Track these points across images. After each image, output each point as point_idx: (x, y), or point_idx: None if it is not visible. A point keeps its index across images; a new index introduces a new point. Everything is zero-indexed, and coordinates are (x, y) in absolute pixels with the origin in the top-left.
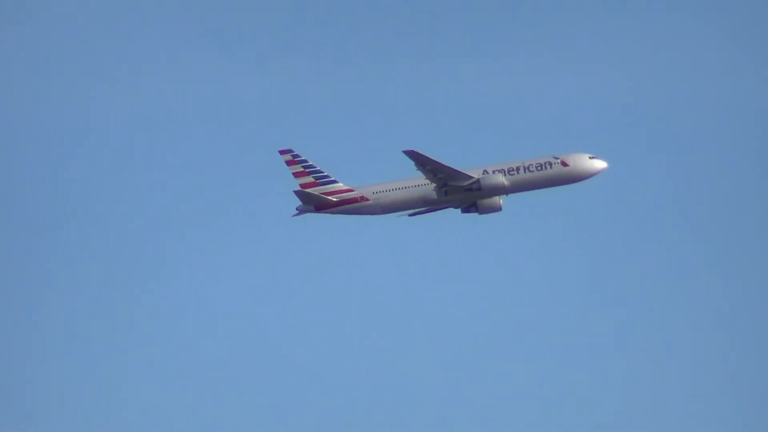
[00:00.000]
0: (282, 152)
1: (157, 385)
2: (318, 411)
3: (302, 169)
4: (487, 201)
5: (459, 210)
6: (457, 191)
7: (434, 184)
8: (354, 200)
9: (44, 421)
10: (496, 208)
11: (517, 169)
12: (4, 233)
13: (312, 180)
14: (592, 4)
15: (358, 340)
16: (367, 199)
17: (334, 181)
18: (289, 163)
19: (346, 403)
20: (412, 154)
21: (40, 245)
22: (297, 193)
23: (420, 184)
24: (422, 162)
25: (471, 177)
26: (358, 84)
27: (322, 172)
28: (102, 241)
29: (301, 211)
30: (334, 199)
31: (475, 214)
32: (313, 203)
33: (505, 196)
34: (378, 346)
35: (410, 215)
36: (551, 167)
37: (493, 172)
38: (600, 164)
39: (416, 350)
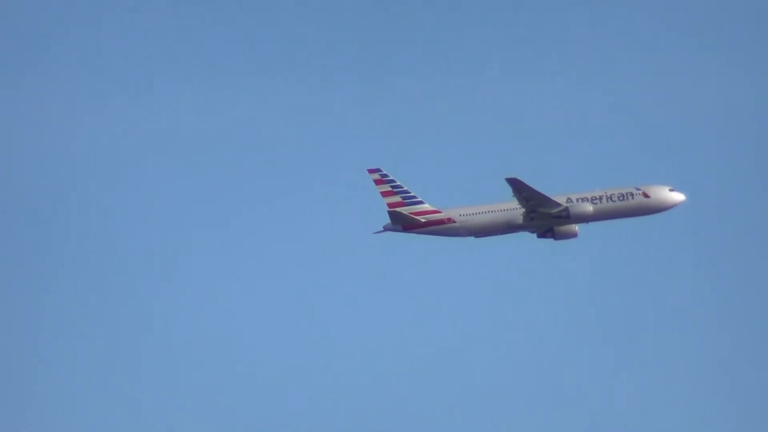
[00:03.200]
0: (371, 171)
1: (231, 390)
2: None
3: (390, 189)
4: (565, 227)
5: (534, 234)
6: (544, 217)
7: (523, 210)
8: (441, 222)
9: (47, 421)
10: (573, 235)
11: (600, 198)
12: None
13: (400, 200)
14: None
15: (415, 360)
16: (454, 221)
17: (421, 202)
18: (377, 182)
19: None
20: (513, 182)
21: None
22: (390, 213)
23: (507, 208)
24: (520, 189)
25: (560, 204)
26: (425, 103)
27: (410, 193)
28: (185, 247)
29: (387, 229)
30: (423, 220)
31: (551, 240)
32: (402, 223)
33: (585, 223)
34: (436, 367)
35: (477, 236)
36: (633, 198)
37: (577, 200)
38: (679, 197)
39: (478, 372)
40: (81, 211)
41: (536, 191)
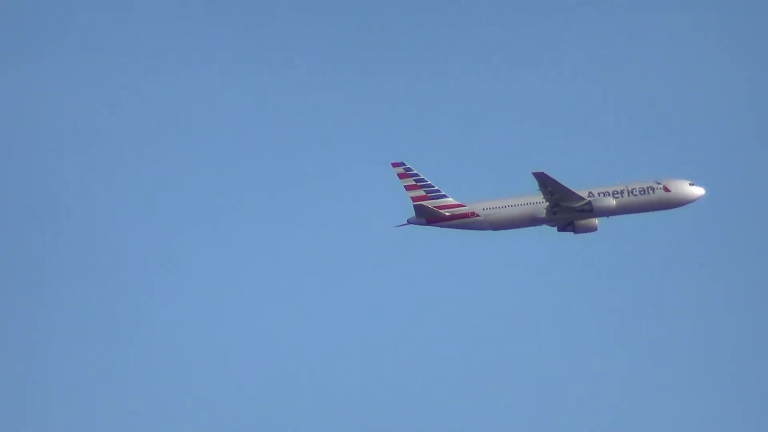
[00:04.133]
0: (395, 165)
1: (250, 387)
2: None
3: (414, 183)
4: (585, 221)
5: (554, 228)
6: (567, 211)
7: (547, 203)
8: (465, 215)
9: (47, 421)
10: (593, 229)
11: (622, 192)
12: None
13: (423, 193)
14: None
15: (435, 351)
16: (478, 215)
17: (444, 196)
18: (401, 176)
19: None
20: (539, 176)
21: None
22: (416, 206)
23: (530, 202)
24: (546, 183)
25: (583, 198)
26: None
27: (433, 186)
28: (198, 242)
29: (411, 222)
30: (447, 214)
31: (571, 233)
32: (426, 216)
33: (606, 217)
34: (455, 360)
35: (496, 230)
36: (654, 192)
37: (599, 194)
38: (699, 191)
39: (498, 366)
40: (80, 211)
41: (561, 185)
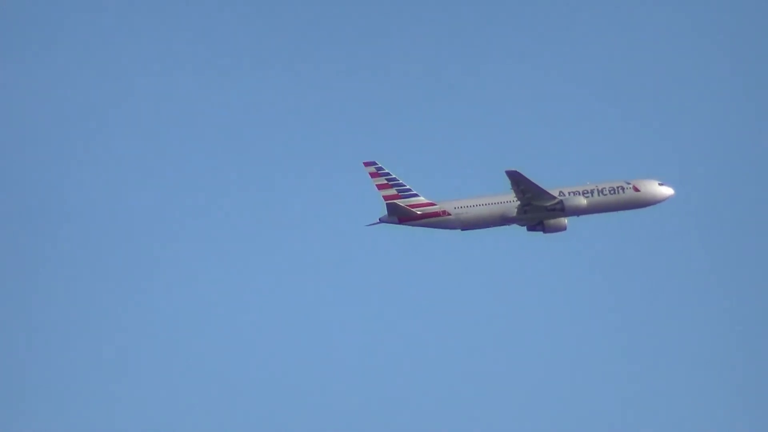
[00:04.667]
0: (366, 164)
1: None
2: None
3: (386, 182)
4: (554, 221)
5: (524, 227)
6: (538, 210)
7: (518, 202)
8: (436, 214)
9: (46, 421)
10: (562, 228)
11: (592, 191)
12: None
13: (395, 192)
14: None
15: (406, 350)
16: (449, 214)
17: (416, 195)
18: (373, 175)
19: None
20: (513, 174)
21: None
22: (389, 205)
23: (501, 201)
24: (519, 182)
25: (555, 197)
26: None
27: (405, 185)
28: (173, 239)
29: (383, 221)
30: (419, 213)
31: (540, 233)
32: (398, 215)
33: (576, 217)
34: (427, 358)
35: (464, 229)
36: (624, 191)
37: (569, 193)
38: (668, 191)
39: (469, 365)
40: (78, 210)
41: (534, 184)
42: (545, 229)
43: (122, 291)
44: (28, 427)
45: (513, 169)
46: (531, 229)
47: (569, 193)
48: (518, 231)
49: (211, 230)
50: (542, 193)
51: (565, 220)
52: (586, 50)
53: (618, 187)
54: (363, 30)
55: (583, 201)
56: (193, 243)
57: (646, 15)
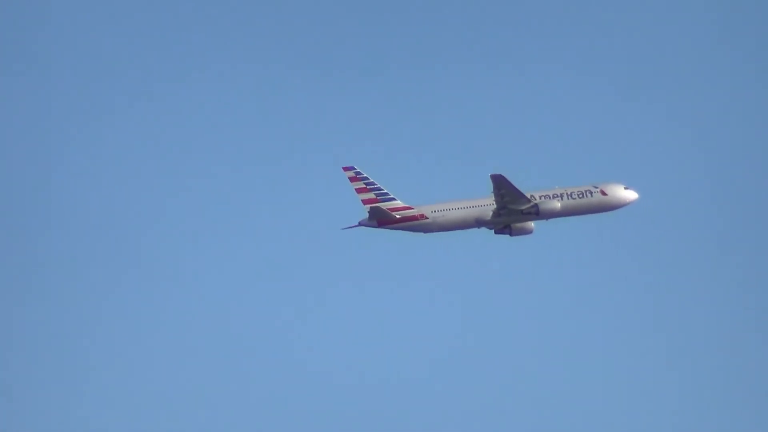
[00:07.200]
0: (345, 169)
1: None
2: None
3: (364, 186)
4: (521, 224)
5: (491, 230)
6: (513, 213)
7: (494, 206)
8: (414, 218)
9: (47, 420)
10: (529, 231)
11: (561, 195)
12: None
13: (373, 196)
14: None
15: (381, 351)
16: (426, 218)
17: (393, 199)
18: (352, 179)
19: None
20: (496, 178)
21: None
22: (371, 209)
23: (477, 204)
24: (500, 185)
25: (530, 201)
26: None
27: (382, 190)
28: (155, 241)
29: (362, 224)
30: (398, 216)
31: (507, 236)
32: (378, 218)
33: (545, 221)
34: (402, 358)
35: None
36: (592, 195)
37: (540, 197)
38: (632, 195)
39: (444, 365)
40: (77, 210)
41: (515, 188)
42: (512, 232)
43: (103, 295)
44: (29, 427)
45: (498, 173)
46: (498, 232)
47: (540, 197)
48: (486, 234)
49: (189, 233)
50: (520, 197)
51: (532, 224)
52: (556, 54)
53: (586, 191)
54: (344, 35)
55: (557, 205)
56: (173, 245)
57: (626, 19)
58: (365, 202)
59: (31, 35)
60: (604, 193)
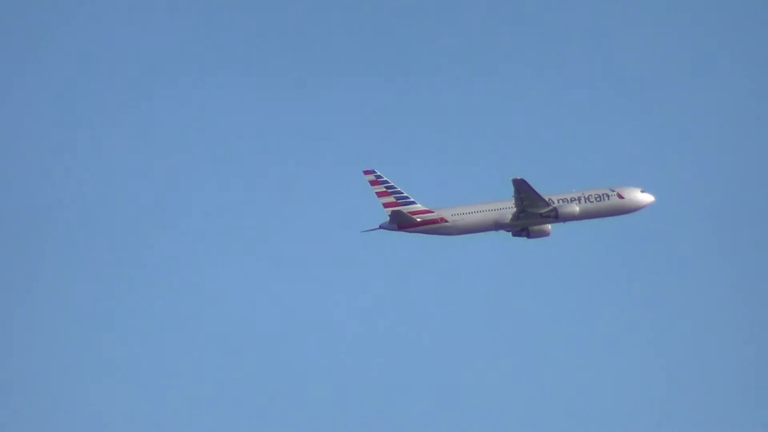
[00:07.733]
0: (366, 172)
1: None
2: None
3: (385, 189)
4: (539, 227)
5: (509, 233)
6: (532, 217)
7: (513, 209)
8: (434, 221)
9: (46, 421)
10: (546, 234)
11: (579, 199)
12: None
13: (394, 200)
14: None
15: (398, 351)
16: (446, 221)
17: (414, 202)
18: (372, 183)
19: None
20: (518, 182)
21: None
22: (392, 212)
23: (496, 207)
24: (521, 189)
25: (549, 205)
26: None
27: (403, 193)
28: (175, 240)
29: (383, 227)
30: (419, 220)
31: (524, 238)
32: (399, 222)
33: (562, 223)
34: (419, 358)
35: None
36: (609, 198)
37: (558, 201)
38: (649, 198)
39: (462, 368)
40: (76, 211)
41: (536, 192)
42: (529, 235)
43: (117, 292)
44: (29, 427)
45: (519, 177)
46: (516, 234)
47: (558, 201)
48: (503, 236)
49: (210, 234)
50: (539, 201)
51: (549, 227)
52: (569, 57)
53: (603, 195)
54: (367, 37)
55: (576, 208)
56: (194, 246)
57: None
58: (386, 205)
59: (32, 35)
60: (620, 197)
